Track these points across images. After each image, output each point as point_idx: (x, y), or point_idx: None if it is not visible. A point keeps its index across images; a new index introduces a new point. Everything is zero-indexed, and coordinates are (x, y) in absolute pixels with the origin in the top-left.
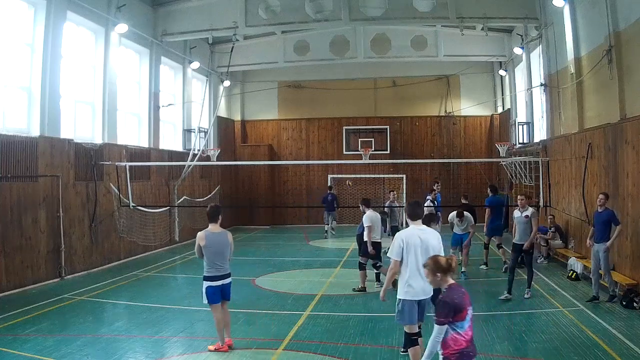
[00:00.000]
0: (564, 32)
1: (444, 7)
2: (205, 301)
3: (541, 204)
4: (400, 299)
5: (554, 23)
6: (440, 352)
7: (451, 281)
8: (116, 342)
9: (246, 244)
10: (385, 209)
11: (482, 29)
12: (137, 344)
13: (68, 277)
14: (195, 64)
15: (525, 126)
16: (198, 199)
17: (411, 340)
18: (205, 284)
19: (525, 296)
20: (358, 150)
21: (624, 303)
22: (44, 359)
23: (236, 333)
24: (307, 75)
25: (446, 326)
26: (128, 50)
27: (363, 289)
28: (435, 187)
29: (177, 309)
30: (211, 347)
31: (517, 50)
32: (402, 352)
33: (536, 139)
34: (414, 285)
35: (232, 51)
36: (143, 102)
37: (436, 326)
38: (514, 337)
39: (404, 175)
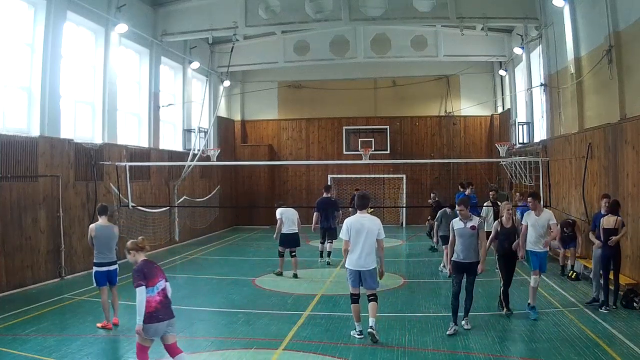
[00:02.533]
0: (564, 32)
1: (444, 7)
2: (94, 284)
3: (541, 204)
4: (347, 268)
5: (554, 23)
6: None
7: (144, 257)
8: (116, 342)
9: (246, 244)
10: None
11: (482, 29)
12: None
13: (68, 277)
14: (195, 64)
15: (525, 126)
16: (198, 199)
17: (352, 299)
18: (94, 269)
19: (465, 327)
20: (358, 150)
21: (624, 303)
22: (44, 359)
23: (236, 333)
24: (307, 75)
25: (143, 288)
26: (128, 50)
27: (280, 274)
28: (470, 189)
29: (177, 309)
30: (99, 324)
31: (517, 50)
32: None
33: (536, 139)
34: (355, 258)
35: (232, 51)
36: (143, 102)
37: (136, 290)
38: (514, 337)
39: (404, 175)
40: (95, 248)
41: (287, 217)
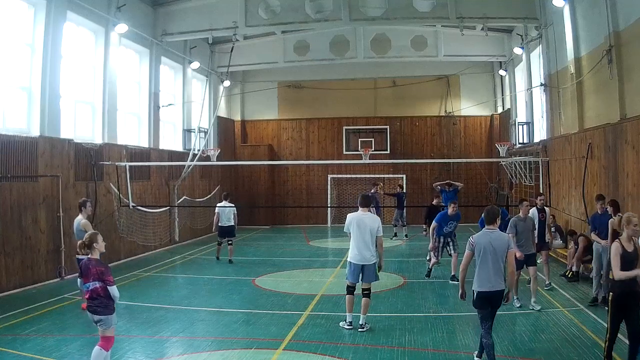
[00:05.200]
0: (564, 32)
1: (444, 7)
2: None
3: None
4: (348, 261)
5: (554, 23)
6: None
7: (91, 255)
8: (116, 342)
9: (246, 243)
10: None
11: (482, 29)
12: (137, 344)
13: (68, 277)
14: (195, 64)
15: (525, 126)
16: (198, 199)
17: (348, 290)
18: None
19: None
20: (358, 150)
21: None
22: (44, 359)
23: (236, 333)
24: (307, 75)
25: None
26: (128, 50)
27: (218, 258)
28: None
29: (177, 309)
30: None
31: (517, 50)
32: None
33: (536, 139)
34: (355, 253)
35: (232, 51)
36: (143, 102)
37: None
38: (514, 337)
39: (404, 175)
40: None
41: (223, 213)
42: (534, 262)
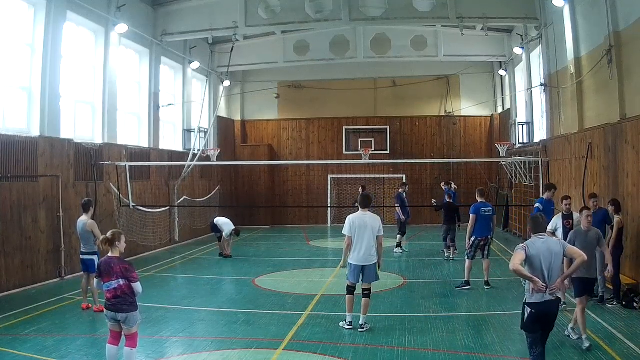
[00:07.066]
0: (564, 32)
1: (444, 7)
2: None
3: None
4: (348, 262)
5: (554, 23)
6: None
7: (112, 254)
8: None
9: (246, 244)
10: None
11: (482, 29)
12: (137, 343)
13: (68, 277)
14: (195, 64)
15: (525, 126)
16: (198, 199)
17: (349, 290)
18: None
19: None
20: (358, 150)
21: (624, 303)
22: (44, 359)
23: (236, 333)
24: (307, 75)
25: (98, 280)
26: (128, 50)
27: (221, 254)
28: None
29: (177, 309)
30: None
31: (517, 50)
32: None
33: (536, 139)
34: (357, 254)
35: (232, 51)
36: (143, 102)
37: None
38: (514, 337)
39: (404, 175)
40: None
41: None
42: (592, 290)
